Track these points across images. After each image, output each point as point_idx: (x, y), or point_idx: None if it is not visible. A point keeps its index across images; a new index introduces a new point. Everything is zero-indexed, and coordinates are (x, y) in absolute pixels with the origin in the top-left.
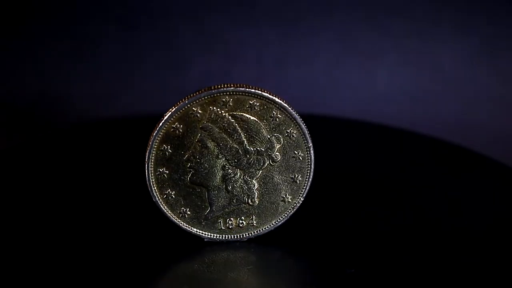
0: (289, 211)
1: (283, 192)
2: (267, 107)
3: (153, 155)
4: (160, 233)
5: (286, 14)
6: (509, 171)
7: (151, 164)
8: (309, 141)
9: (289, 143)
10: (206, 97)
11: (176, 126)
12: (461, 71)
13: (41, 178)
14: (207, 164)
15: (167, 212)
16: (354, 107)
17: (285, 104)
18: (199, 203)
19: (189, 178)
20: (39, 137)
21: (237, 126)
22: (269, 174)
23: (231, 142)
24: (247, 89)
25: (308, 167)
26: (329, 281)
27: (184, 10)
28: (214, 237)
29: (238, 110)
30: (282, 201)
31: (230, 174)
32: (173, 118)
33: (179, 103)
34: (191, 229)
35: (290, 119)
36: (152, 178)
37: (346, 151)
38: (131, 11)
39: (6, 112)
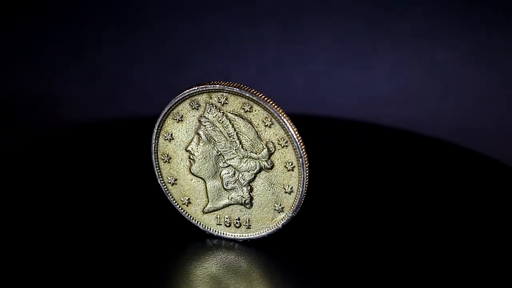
0: (282, 221)
1: (276, 201)
2: (260, 111)
3: (158, 139)
4: (163, 223)
5: (286, 14)
6: (509, 171)
7: (156, 148)
8: (301, 152)
9: (282, 152)
10: (203, 92)
11: (178, 114)
12: (460, 71)
13: (41, 178)
14: (206, 158)
15: (170, 197)
16: (354, 107)
17: (278, 111)
18: (199, 194)
19: (190, 168)
20: (39, 137)
21: (233, 126)
22: (263, 180)
23: (226, 141)
24: (240, 90)
25: (300, 179)
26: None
27: (184, 10)
28: (213, 231)
29: (234, 110)
30: (275, 210)
31: (227, 172)
32: (175, 106)
33: (181, 93)
34: (192, 219)
35: (282, 127)
36: (157, 162)
37: (346, 151)
38: (131, 11)
39: (6, 112)
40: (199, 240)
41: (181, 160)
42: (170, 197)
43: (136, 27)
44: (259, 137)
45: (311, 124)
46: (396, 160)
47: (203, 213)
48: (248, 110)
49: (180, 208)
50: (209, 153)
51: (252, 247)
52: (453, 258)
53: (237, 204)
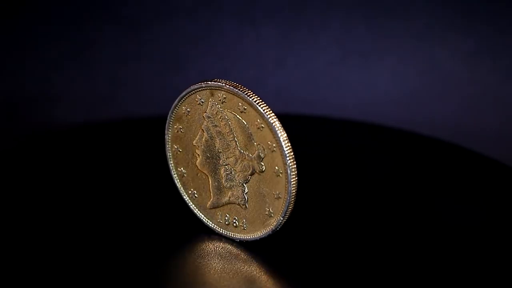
0: (272, 226)
1: (268, 205)
2: (253, 113)
3: (171, 133)
4: (163, 220)
5: (286, 14)
6: (509, 171)
7: (168, 139)
8: (287, 160)
9: (271, 156)
10: (206, 88)
11: (185, 109)
12: (461, 71)
13: (41, 178)
14: (209, 154)
15: (180, 188)
16: (354, 107)
17: (267, 115)
18: (204, 189)
19: (197, 163)
20: (39, 137)
21: (231, 125)
22: (257, 183)
23: (226, 139)
24: (235, 89)
25: (287, 187)
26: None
27: (184, 10)
28: (214, 227)
29: (232, 110)
30: (267, 214)
31: (227, 171)
32: (182, 101)
33: (188, 88)
34: (198, 212)
35: (272, 131)
36: (169, 152)
37: (345, 151)
38: (131, 11)
39: (6, 112)
40: (198, 236)
41: (190, 154)
42: (181, 189)
43: (136, 26)
44: (253, 138)
45: (311, 124)
46: (396, 160)
47: (207, 208)
48: (243, 110)
49: (188, 201)
50: (211, 150)
51: (247, 248)
52: (453, 259)
53: (235, 203)
